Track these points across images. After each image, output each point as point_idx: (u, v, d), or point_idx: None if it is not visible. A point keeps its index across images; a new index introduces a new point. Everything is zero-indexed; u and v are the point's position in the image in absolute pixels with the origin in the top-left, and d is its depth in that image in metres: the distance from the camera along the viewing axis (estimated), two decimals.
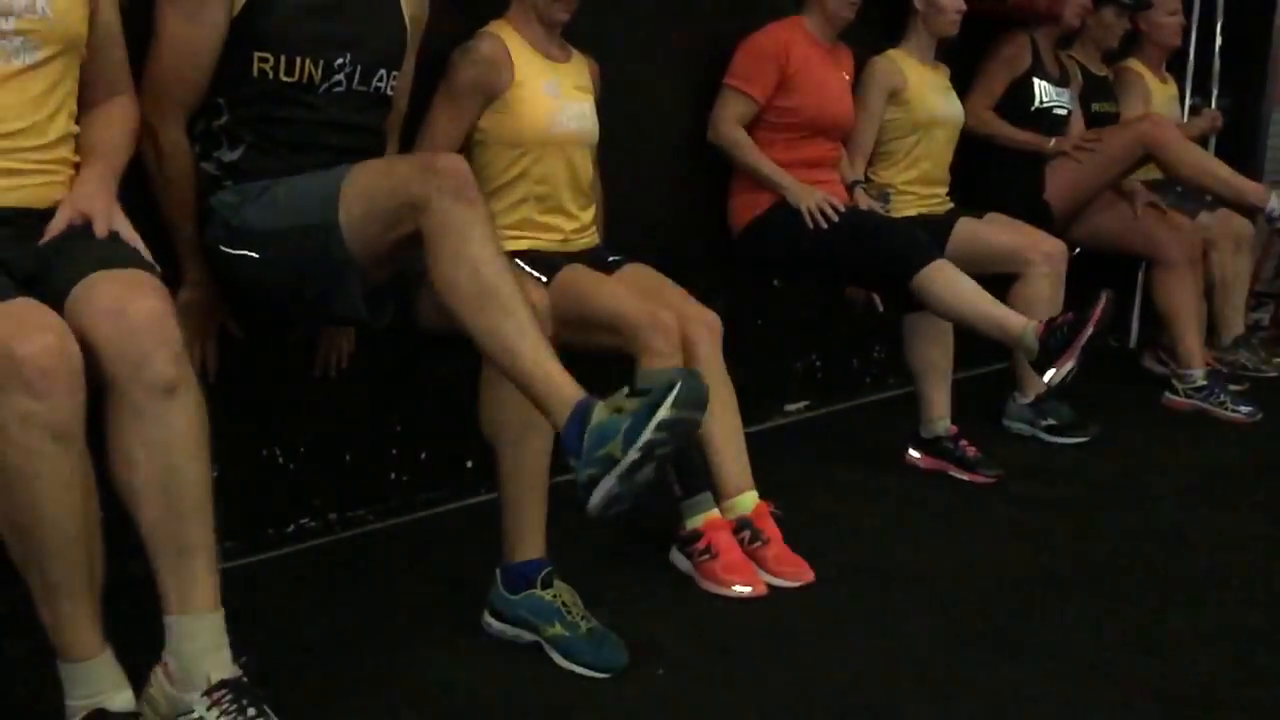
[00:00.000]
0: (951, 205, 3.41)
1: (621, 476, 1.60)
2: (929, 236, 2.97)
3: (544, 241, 2.42)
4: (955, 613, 2.17)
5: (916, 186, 3.33)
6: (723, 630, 2.08)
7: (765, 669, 1.94)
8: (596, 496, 1.63)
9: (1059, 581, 2.34)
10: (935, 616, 2.16)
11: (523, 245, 2.39)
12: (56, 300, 1.51)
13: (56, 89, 1.66)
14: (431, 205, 1.69)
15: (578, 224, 2.49)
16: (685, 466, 2.28)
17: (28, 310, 1.44)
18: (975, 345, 3.06)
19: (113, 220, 1.62)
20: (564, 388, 1.67)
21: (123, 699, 1.49)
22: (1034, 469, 3.05)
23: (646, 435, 1.58)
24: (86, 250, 1.57)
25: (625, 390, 1.66)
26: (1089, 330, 2.54)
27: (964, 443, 2.99)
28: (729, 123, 2.93)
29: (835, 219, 2.88)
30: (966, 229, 3.25)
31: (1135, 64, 4.10)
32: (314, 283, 1.84)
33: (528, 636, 1.94)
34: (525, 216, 2.41)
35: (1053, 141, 3.57)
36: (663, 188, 3.00)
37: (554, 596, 1.94)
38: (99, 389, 1.48)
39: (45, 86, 1.64)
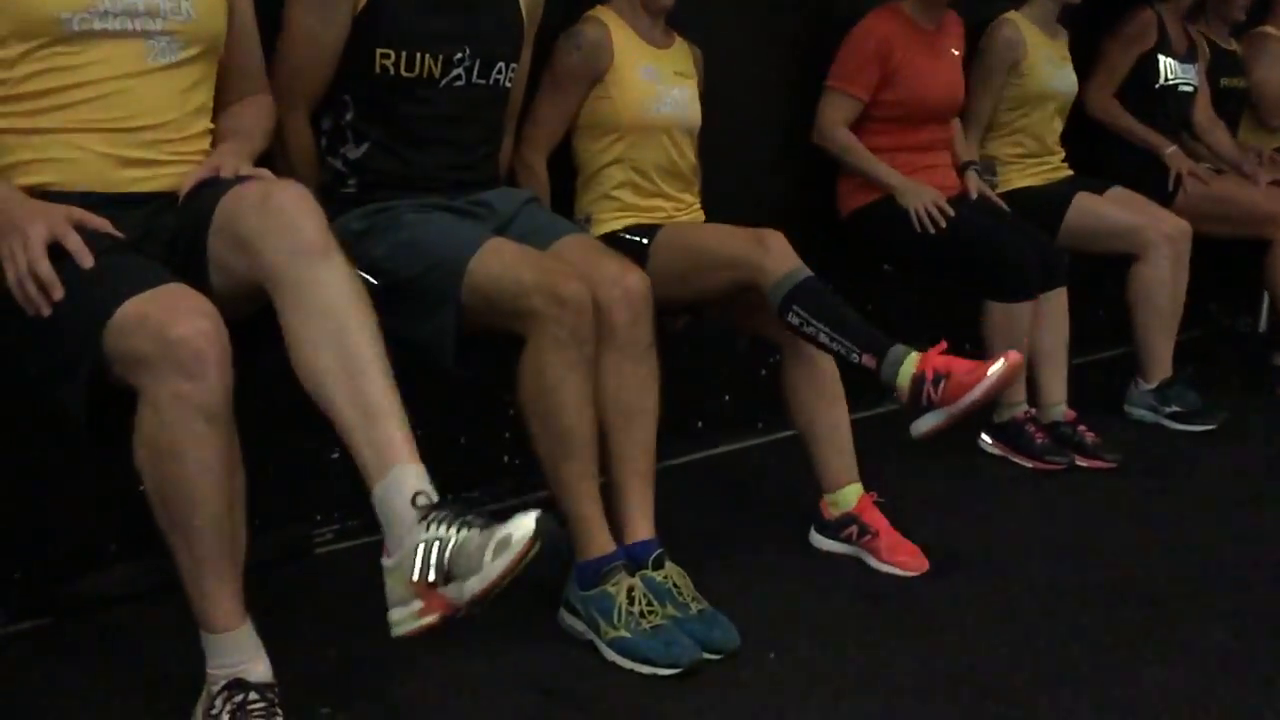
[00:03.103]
0: (1068, 174, 3.32)
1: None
2: (1040, 228, 2.92)
3: (648, 218, 2.43)
4: (1074, 605, 2.13)
5: (1027, 159, 3.25)
6: (835, 616, 2.08)
7: (878, 656, 1.93)
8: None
9: (1182, 575, 2.27)
10: (1054, 608, 2.11)
11: (625, 222, 2.41)
12: (198, 230, 1.58)
13: (198, 86, 1.75)
14: (545, 332, 1.83)
15: (680, 204, 2.50)
16: (861, 332, 2.18)
17: (181, 295, 1.50)
18: (1096, 329, 2.98)
19: (242, 168, 1.68)
20: (599, 533, 1.92)
21: (261, 669, 1.55)
22: (1157, 458, 2.96)
23: (637, 667, 1.86)
24: (221, 183, 1.64)
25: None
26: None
27: (1082, 428, 2.91)
28: (834, 124, 2.89)
29: (943, 226, 2.82)
30: (1085, 204, 3.16)
31: (1272, 29, 3.91)
32: (416, 327, 1.92)
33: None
34: (626, 201, 2.42)
35: (1170, 149, 3.43)
36: (768, 171, 2.98)
37: (665, 578, 1.96)
38: (258, 307, 1.54)
39: (187, 84, 1.72)
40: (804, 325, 2.17)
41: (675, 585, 1.96)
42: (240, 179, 1.64)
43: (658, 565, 1.96)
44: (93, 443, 1.56)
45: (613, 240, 2.30)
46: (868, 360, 2.16)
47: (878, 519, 2.29)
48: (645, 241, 2.32)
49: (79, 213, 1.56)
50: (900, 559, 2.24)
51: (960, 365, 2.11)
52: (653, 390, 2.03)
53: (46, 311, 1.49)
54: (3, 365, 1.78)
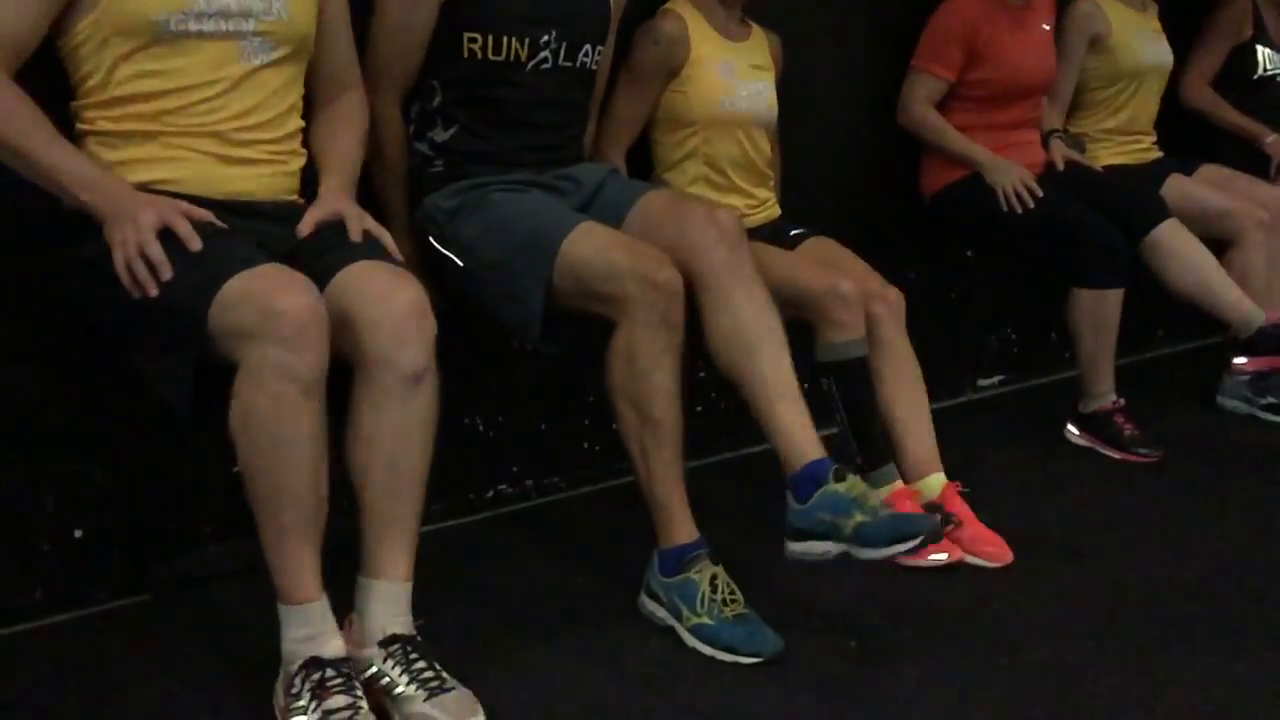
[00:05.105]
0: (1159, 155, 3.24)
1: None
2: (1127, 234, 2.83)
3: None
4: (1161, 598, 2.08)
5: (1117, 135, 3.19)
6: (918, 606, 2.05)
7: (962, 646, 1.91)
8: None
9: (1273, 569, 2.20)
10: (1140, 601, 2.07)
11: None
12: (314, 280, 1.60)
13: (289, 85, 1.78)
14: (638, 317, 1.83)
15: (754, 200, 2.48)
16: (868, 439, 2.25)
17: (282, 273, 1.55)
18: (1189, 317, 2.91)
19: (364, 222, 1.74)
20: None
21: (335, 645, 1.59)
22: (1251, 451, 2.88)
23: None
24: (346, 243, 1.70)
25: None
26: None
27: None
28: (919, 104, 2.85)
29: (1031, 205, 2.77)
30: (1178, 186, 3.08)
31: None
32: (504, 308, 1.95)
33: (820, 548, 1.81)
34: (699, 195, 2.40)
35: (1271, 138, 3.32)
36: (851, 154, 2.96)
37: (849, 489, 1.80)
38: (347, 368, 1.59)
39: (280, 83, 1.76)
40: (829, 396, 2.24)
41: (864, 494, 1.81)
42: (366, 247, 1.69)
43: (840, 478, 1.82)
44: (193, 424, 1.60)
45: None
46: (861, 462, 2.24)
47: (962, 509, 2.26)
48: None
49: (185, 205, 1.61)
50: (985, 549, 2.21)
51: None
52: (774, 312, 1.93)
53: (154, 292, 1.53)
54: (100, 351, 1.85)
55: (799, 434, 1.86)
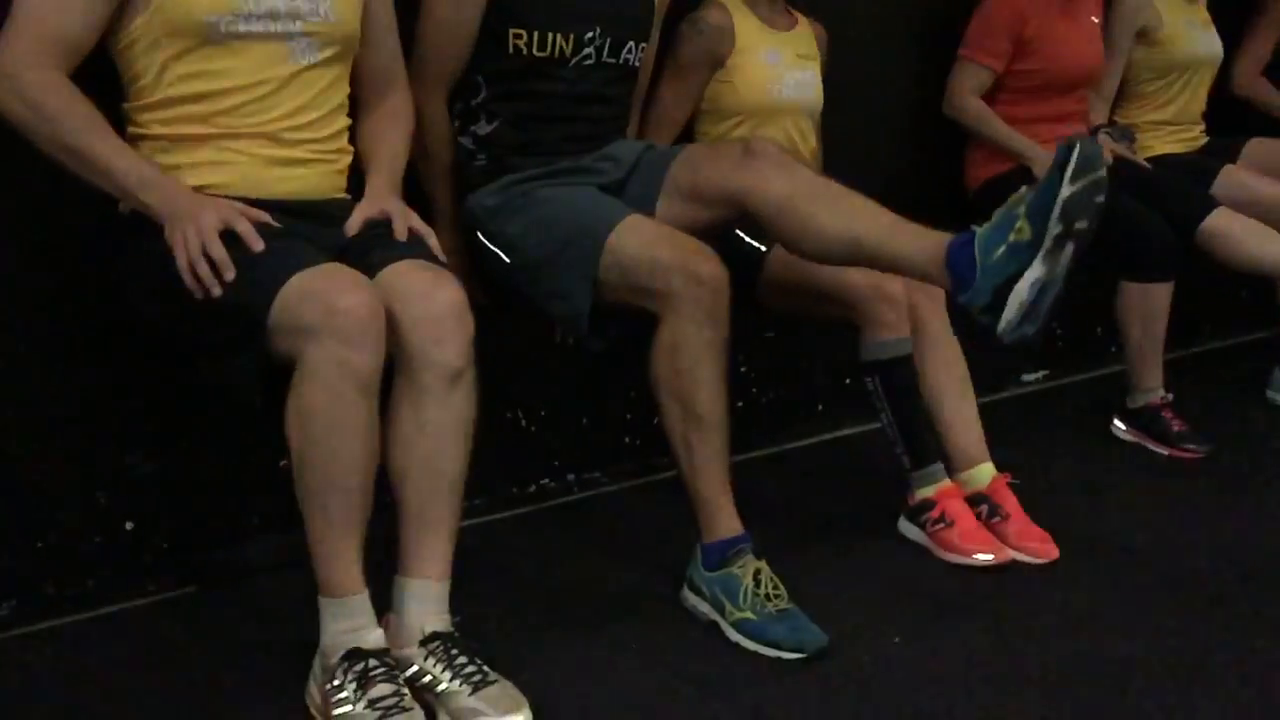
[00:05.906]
0: (1206, 140, 3.20)
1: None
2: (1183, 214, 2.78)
3: None
4: (1210, 596, 2.05)
5: (1166, 126, 3.15)
6: (962, 600, 2.04)
7: (1007, 642, 1.89)
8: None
9: None
10: (1190, 597, 2.04)
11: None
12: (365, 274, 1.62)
13: (335, 85, 1.80)
14: (682, 312, 1.83)
15: None
16: (914, 437, 2.25)
17: (344, 272, 1.58)
18: (1238, 311, 2.86)
19: (410, 220, 1.76)
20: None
21: (376, 636, 1.61)
22: None
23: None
24: (390, 241, 1.72)
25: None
26: None
27: None
28: (965, 94, 2.82)
29: None
30: (1229, 178, 3.02)
31: None
32: (550, 304, 1.97)
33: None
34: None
35: None
36: (896, 147, 2.93)
37: (995, 219, 1.72)
38: (387, 368, 1.61)
39: (326, 83, 1.78)
40: (873, 396, 2.24)
41: (1010, 202, 1.73)
42: (411, 246, 1.71)
43: (979, 225, 1.76)
44: (264, 413, 1.62)
45: (728, 238, 2.28)
46: (906, 461, 2.25)
47: (1010, 501, 2.24)
48: (764, 249, 2.27)
49: (241, 206, 1.63)
50: (1030, 545, 2.19)
51: (965, 525, 2.19)
52: (837, 183, 1.92)
53: (217, 292, 1.55)
54: (152, 349, 1.88)
55: (927, 236, 1.81)
